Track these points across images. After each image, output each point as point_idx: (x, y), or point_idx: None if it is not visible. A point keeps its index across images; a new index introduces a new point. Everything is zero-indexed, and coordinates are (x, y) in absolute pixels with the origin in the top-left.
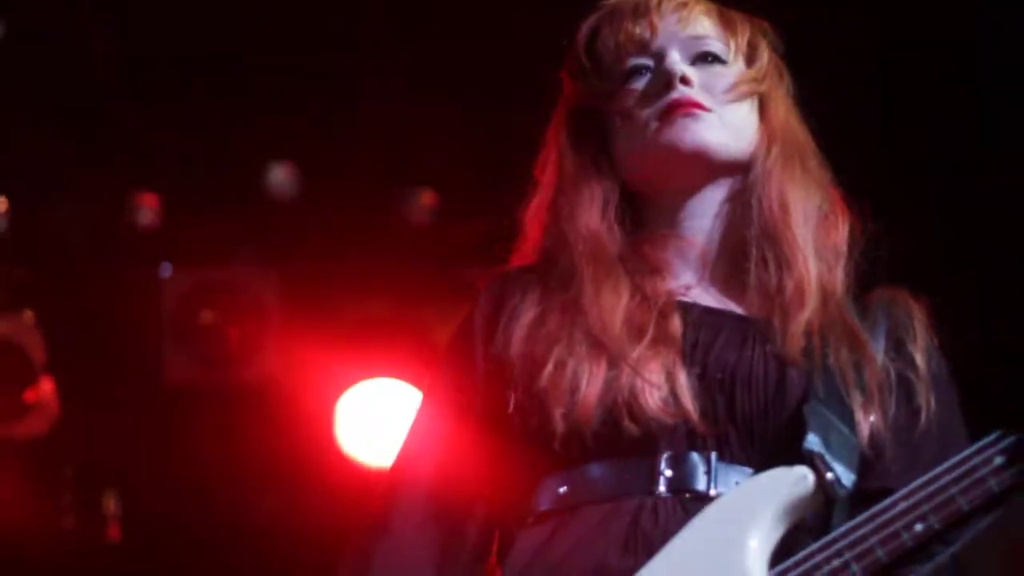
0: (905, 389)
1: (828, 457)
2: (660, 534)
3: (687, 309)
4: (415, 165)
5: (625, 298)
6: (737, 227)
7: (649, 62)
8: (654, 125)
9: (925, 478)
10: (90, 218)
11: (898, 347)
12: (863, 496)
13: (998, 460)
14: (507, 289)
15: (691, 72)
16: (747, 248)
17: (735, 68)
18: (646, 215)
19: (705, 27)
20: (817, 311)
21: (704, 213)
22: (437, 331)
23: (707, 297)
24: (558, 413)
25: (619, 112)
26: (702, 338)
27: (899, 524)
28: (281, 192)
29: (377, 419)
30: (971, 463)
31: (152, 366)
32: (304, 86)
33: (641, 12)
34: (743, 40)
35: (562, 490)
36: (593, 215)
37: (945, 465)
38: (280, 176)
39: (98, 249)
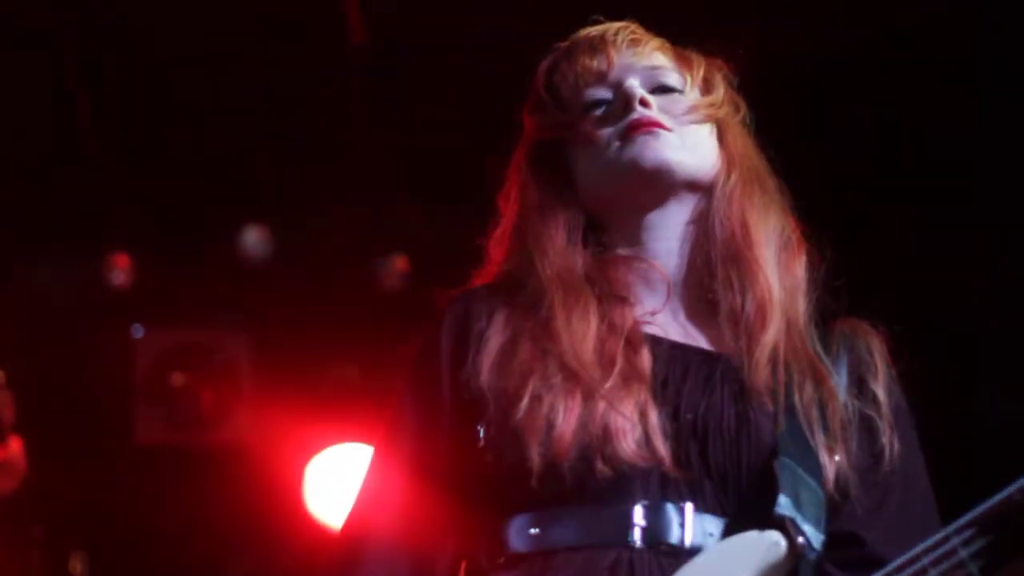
0: (868, 429)
1: (799, 519)
2: None
3: (655, 343)
4: (388, 231)
5: (594, 324)
6: (701, 249)
7: (607, 94)
8: (615, 145)
9: (903, 559)
10: (63, 278)
11: (860, 384)
12: (831, 543)
13: (980, 541)
14: (472, 310)
15: (650, 97)
16: (712, 269)
17: (691, 96)
18: (610, 239)
19: (660, 60)
20: (781, 335)
21: (668, 236)
22: None
23: (674, 326)
24: (535, 450)
25: (580, 137)
26: (671, 375)
27: None
28: (254, 255)
29: (346, 484)
30: (950, 543)
31: (123, 427)
32: (279, 150)
33: (598, 47)
34: (698, 73)
35: (533, 531)
36: (559, 239)
37: (924, 545)
38: (254, 239)
39: (71, 309)
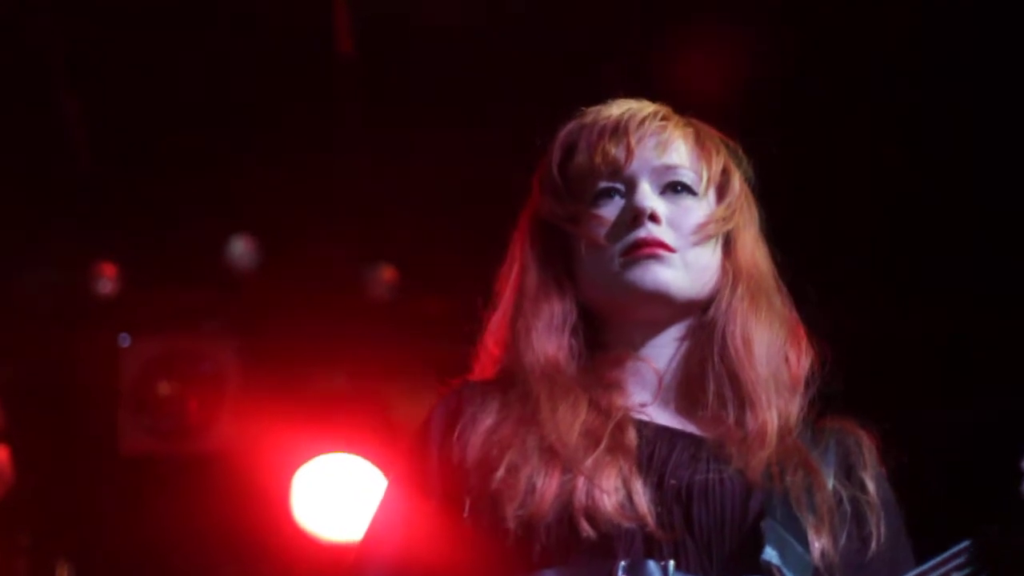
0: (856, 515)
1: (784, 569)
2: None
3: (642, 425)
4: (376, 240)
5: (583, 414)
6: (696, 359)
7: (620, 187)
8: (618, 261)
9: None
10: (49, 286)
11: (848, 473)
12: None
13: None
14: (464, 398)
15: (660, 206)
16: (705, 382)
17: (705, 202)
18: (605, 337)
19: (680, 155)
20: (774, 447)
21: (663, 344)
22: (396, 407)
23: (662, 416)
24: (511, 511)
25: (585, 238)
26: (657, 452)
27: None
28: (242, 264)
29: (334, 494)
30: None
31: (109, 436)
32: (266, 159)
33: (620, 133)
34: (716, 170)
35: None
36: (551, 339)
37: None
38: (241, 248)
39: (57, 317)
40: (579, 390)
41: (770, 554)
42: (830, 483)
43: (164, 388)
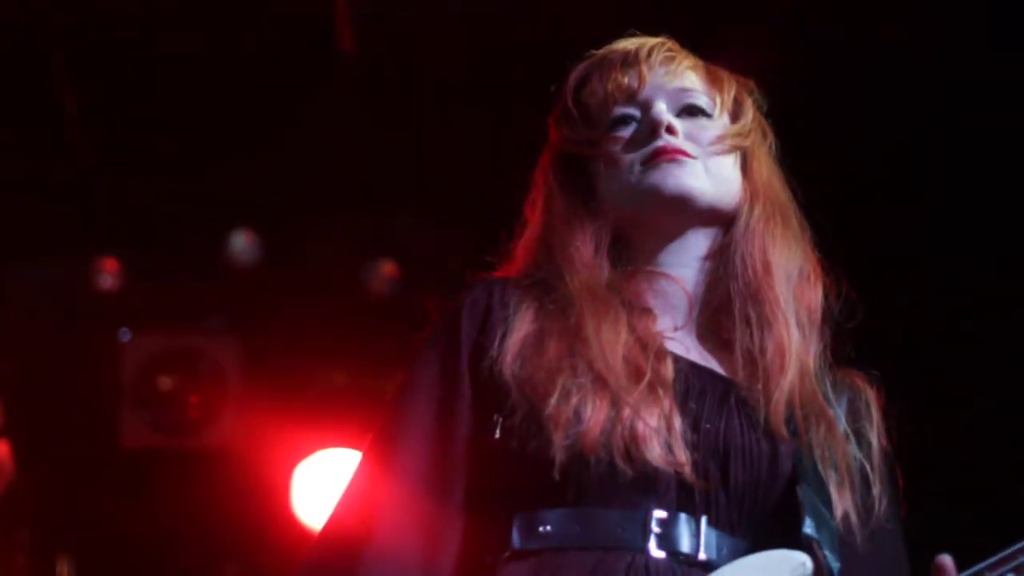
0: (863, 479)
1: (822, 542)
2: None
3: (676, 359)
4: (377, 236)
5: (623, 335)
6: (719, 282)
7: (635, 112)
8: (638, 169)
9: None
10: (51, 281)
11: (857, 434)
12: None
13: None
14: (495, 297)
15: (676, 122)
16: (729, 305)
17: (720, 122)
18: (632, 255)
19: (692, 81)
20: (796, 380)
21: (687, 263)
22: None
23: (691, 347)
24: (560, 440)
25: (604, 157)
26: (691, 391)
27: None
28: (243, 260)
29: (334, 489)
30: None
31: (110, 430)
32: (267, 155)
33: (630, 62)
34: (728, 96)
35: (543, 529)
36: (587, 251)
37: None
38: (242, 243)
39: (58, 312)
40: (619, 307)
41: (809, 526)
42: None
43: (165, 383)
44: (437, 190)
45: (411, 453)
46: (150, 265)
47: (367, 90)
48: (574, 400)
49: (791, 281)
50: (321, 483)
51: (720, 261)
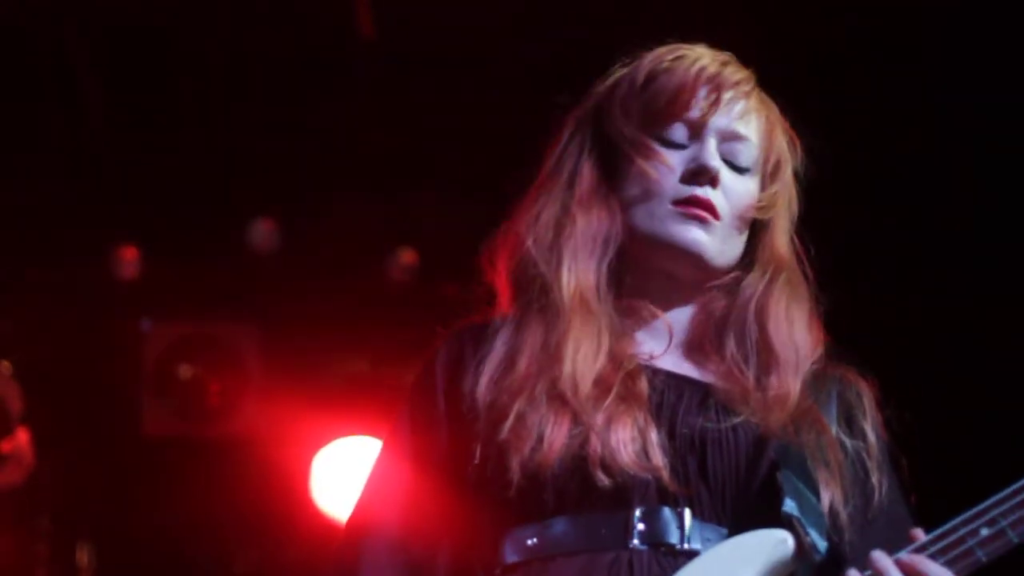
0: (859, 468)
1: (804, 522)
2: None
3: (652, 372)
4: (396, 224)
5: (601, 359)
6: (712, 319)
7: (688, 134)
8: (668, 208)
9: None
10: (71, 270)
11: (850, 423)
12: (828, 565)
13: (984, 532)
14: (467, 341)
15: (722, 173)
16: (723, 339)
17: (754, 180)
18: (630, 272)
19: (751, 129)
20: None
21: (677, 300)
22: None
23: (672, 362)
24: (515, 463)
25: (646, 171)
26: (666, 399)
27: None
28: (263, 248)
29: (353, 476)
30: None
31: (130, 419)
32: (287, 143)
33: (713, 86)
34: (773, 156)
35: (531, 542)
36: (592, 262)
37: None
38: (262, 232)
39: (78, 301)
40: (603, 327)
41: (790, 505)
42: (834, 430)
43: (185, 371)
44: (458, 177)
45: (400, 477)
46: (171, 253)
47: (388, 77)
48: (531, 422)
49: (801, 335)
50: (341, 471)
51: (715, 302)
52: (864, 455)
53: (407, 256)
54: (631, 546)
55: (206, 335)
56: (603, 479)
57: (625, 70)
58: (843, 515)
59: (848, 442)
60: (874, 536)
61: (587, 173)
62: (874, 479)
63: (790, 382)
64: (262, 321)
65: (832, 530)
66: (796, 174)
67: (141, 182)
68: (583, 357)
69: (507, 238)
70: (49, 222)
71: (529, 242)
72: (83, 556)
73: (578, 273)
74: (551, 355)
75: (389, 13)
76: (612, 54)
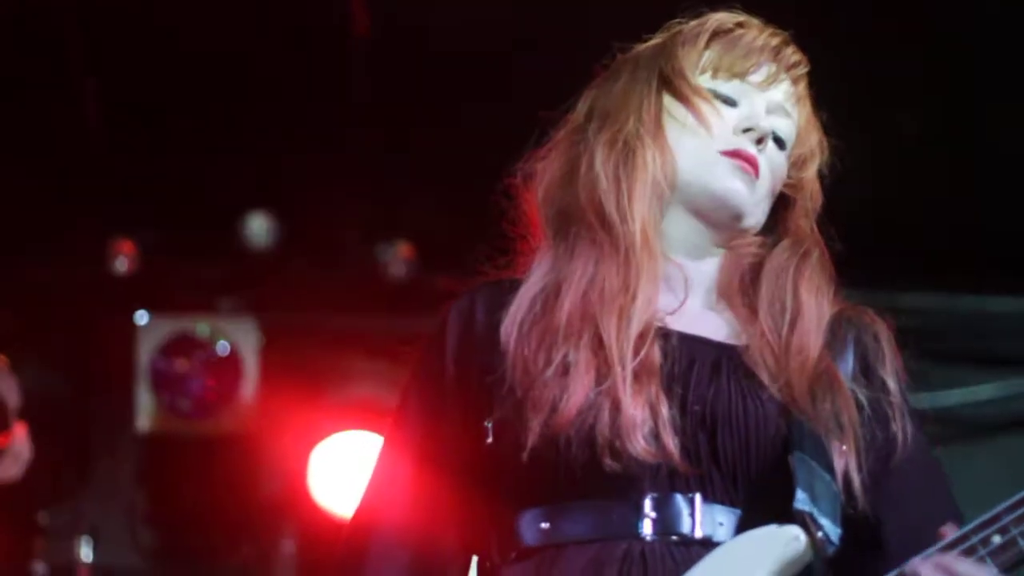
0: (879, 418)
1: (817, 514)
2: None
3: (665, 336)
4: (393, 218)
5: (649, 312)
6: (742, 275)
7: (741, 97)
8: (716, 155)
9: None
10: (67, 264)
11: (867, 371)
12: (847, 526)
13: None
14: (479, 299)
15: (771, 144)
16: (755, 290)
17: (786, 162)
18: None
19: (795, 112)
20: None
21: (700, 254)
22: None
23: (684, 319)
24: (535, 421)
25: (702, 116)
26: (677, 367)
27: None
28: (259, 242)
29: (351, 471)
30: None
31: (127, 413)
32: (284, 137)
33: (775, 58)
34: (807, 147)
35: (544, 526)
36: (656, 199)
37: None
38: (258, 226)
39: (75, 295)
40: (658, 277)
41: (801, 499)
42: (849, 384)
43: (181, 366)
44: (454, 172)
45: (407, 463)
46: (166, 248)
47: (383, 71)
48: (564, 373)
49: (824, 303)
50: (338, 466)
51: (740, 260)
52: (884, 404)
53: (404, 250)
54: (642, 535)
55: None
56: (612, 465)
57: (685, 25)
58: (856, 482)
59: (865, 395)
60: (906, 486)
61: (653, 108)
62: (896, 426)
63: (813, 343)
64: (258, 316)
65: (847, 503)
66: (822, 168)
67: (137, 176)
68: (641, 305)
69: (546, 169)
70: (45, 217)
71: (593, 166)
72: (80, 551)
73: (645, 208)
74: (607, 292)
75: (384, 8)
76: (608, 47)
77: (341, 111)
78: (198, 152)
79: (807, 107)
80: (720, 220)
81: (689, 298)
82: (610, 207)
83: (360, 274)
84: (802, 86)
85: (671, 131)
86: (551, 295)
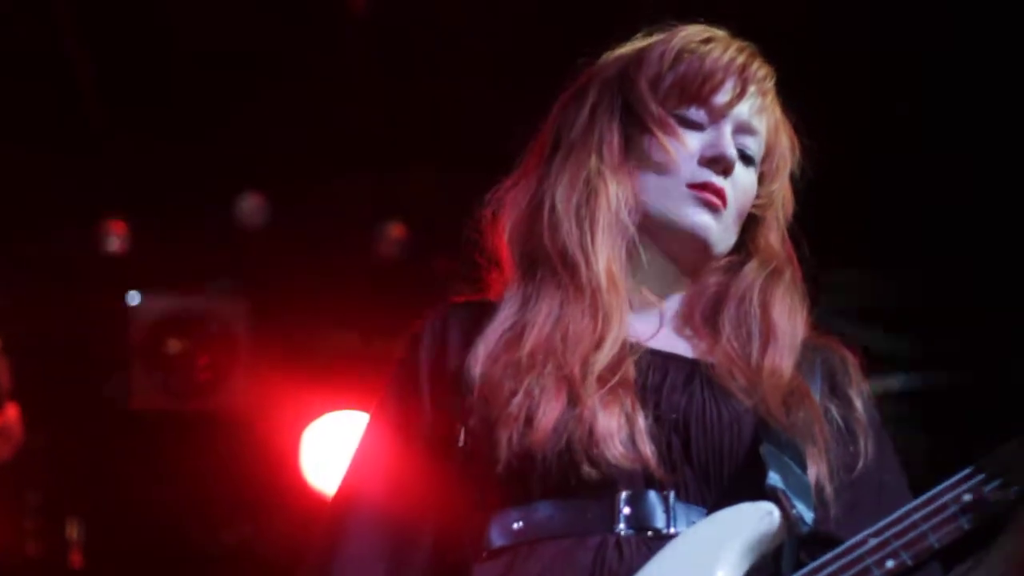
0: (845, 432)
1: (790, 494)
2: (625, 570)
3: (639, 352)
4: (386, 198)
5: (618, 345)
6: (707, 297)
7: (707, 119)
8: (683, 190)
9: (895, 515)
10: (59, 244)
11: (835, 390)
12: (814, 539)
13: (967, 497)
14: (453, 319)
15: (736, 166)
16: (720, 317)
17: (753, 177)
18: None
19: (762, 125)
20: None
21: (670, 283)
22: None
23: (656, 342)
24: (505, 441)
25: (666, 148)
26: (651, 379)
27: (870, 560)
28: (251, 222)
29: (342, 451)
30: (942, 500)
31: (119, 393)
32: (276, 117)
33: (739, 77)
34: (776, 156)
35: (516, 526)
36: (619, 237)
37: (916, 502)
38: (250, 206)
39: (66, 275)
40: (625, 312)
41: (774, 478)
42: (818, 400)
43: (174, 346)
44: (447, 151)
45: (382, 457)
46: (158, 228)
47: (375, 51)
48: (531, 400)
49: (796, 325)
50: (330, 445)
51: (706, 281)
52: (851, 421)
53: (396, 230)
54: (617, 530)
55: (194, 309)
56: (590, 471)
57: (651, 40)
58: (828, 489)
59: (834, 409)
60: (861, 500)
61: (616, 142)
62: (860, 444)
63: (785, 361)
64: (250, 295)
65: (818, 503)
66: (792, 176)
67: (130, 156)
68: (612, 341)
69: (513, 203)
70: (37, 196)
71: (555, 207)
72: (72, 530)
73: (609, 248)
74: (572, 334)
75: None
76: (605, 31)
77: (333, 91)
78: (190, 132)
79: (775, 114)
80: (688, 253)
81: (663, 325)
82: (573, 249)
83: (352, 254)
84: (770, 97)
85: (635, 166)
86: (516, 337)
